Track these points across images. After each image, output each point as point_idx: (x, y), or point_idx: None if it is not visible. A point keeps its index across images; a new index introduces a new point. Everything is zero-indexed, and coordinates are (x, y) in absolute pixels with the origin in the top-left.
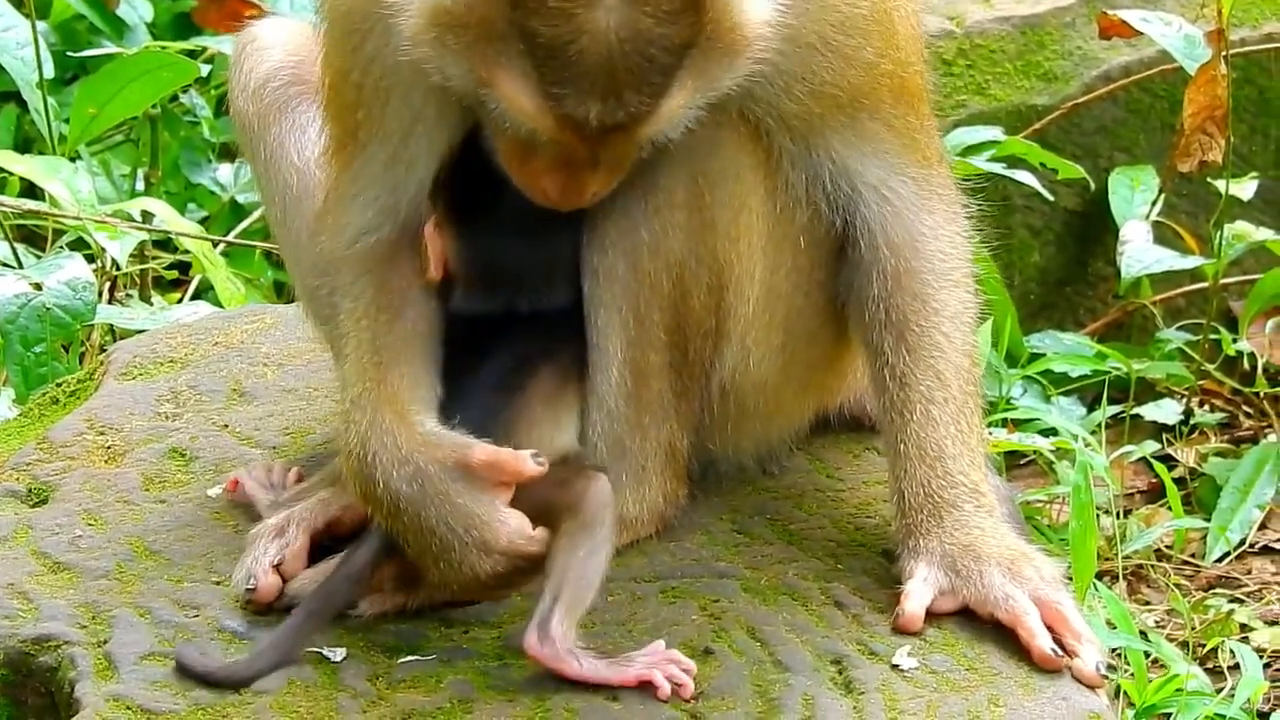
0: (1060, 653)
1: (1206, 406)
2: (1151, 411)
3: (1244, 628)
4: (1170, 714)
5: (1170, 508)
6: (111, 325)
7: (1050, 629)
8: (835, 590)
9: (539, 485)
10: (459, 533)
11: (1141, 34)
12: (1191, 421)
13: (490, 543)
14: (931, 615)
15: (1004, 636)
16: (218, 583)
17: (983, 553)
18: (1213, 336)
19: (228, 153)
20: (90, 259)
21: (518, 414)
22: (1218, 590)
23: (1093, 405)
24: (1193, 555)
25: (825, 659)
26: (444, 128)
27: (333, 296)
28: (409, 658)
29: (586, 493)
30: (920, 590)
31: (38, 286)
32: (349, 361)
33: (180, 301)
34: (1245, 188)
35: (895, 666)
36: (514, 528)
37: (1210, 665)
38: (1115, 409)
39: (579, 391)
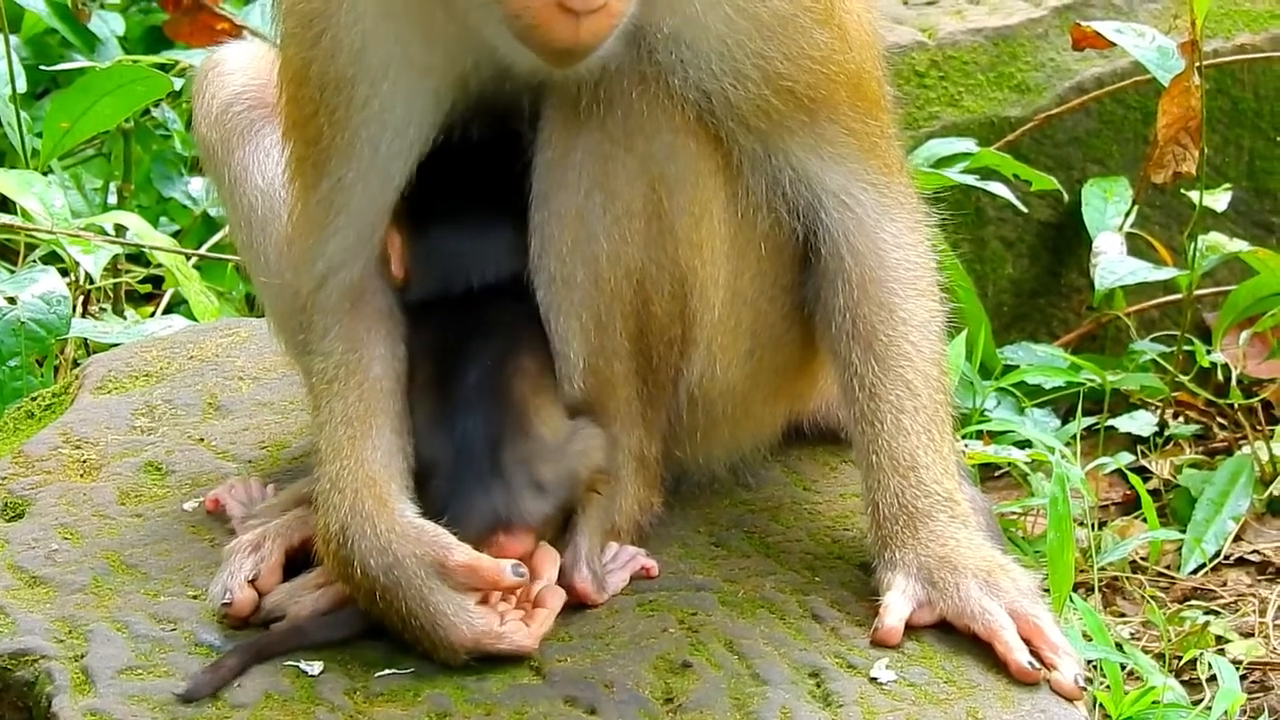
0: (1038, 665)
1: (1181, 418)
2: (1126, 423)
3: (1220, 640)
4: None
5: (1145, 519)
6: (85, 339)
7: (1027, 642)
8: (813, 603)
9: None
10: (427, 630)
11: (1114, 45)
12: (1166, 433)
13: (456, 644)
14: (909, 628)
15: (982, 649)
16: (194, 597)
17: (959, 565)
18: (1186, 348)
19: (200, 166)
20: (63, 273)
21: (522, 411)
22: (1193, 602)
23: (1066, 417)
24: (1168, 567)
25: (803, 672)
26: (415, 122)
27: (305, 345)
28: (386, 671)
29: (603, 455)
30: (898, 603)
31: (12, 300)
32: (323, 432)
33: (153, 315)
34: (1219, 199)
35: (873, 679)
36: (480, 629)
37: (1186, 677)
38: (1089, 421)
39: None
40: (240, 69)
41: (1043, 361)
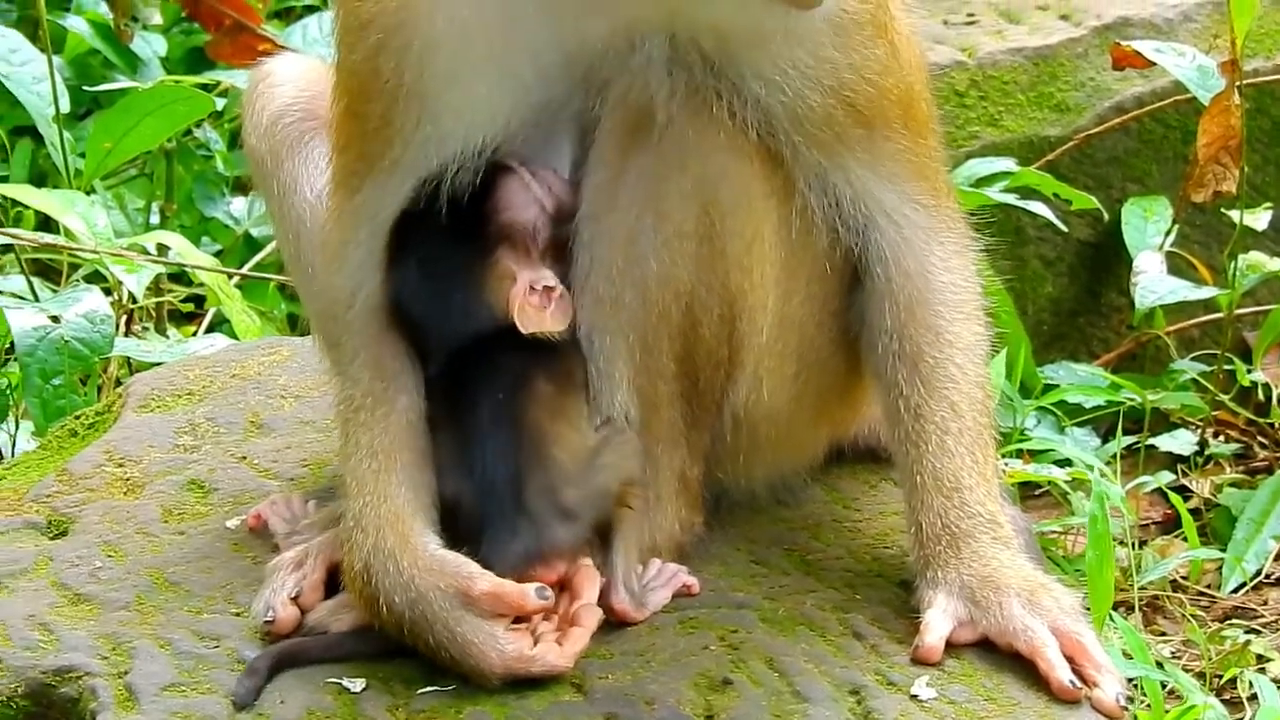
0: (1079, 684)
1: (1221, 437)
2: (1166, 442)
3: (1260, 658)
4: None
5: (1185, 538)
6: (128, 358)
7: (1069, 660)
8: (853, 620)
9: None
10: (458, 659)
11: (1154, 65)
12: (1206, 452)
13: (486, 671)
14: (950, 646)
15: (1023, 667)
16: (237, 614)
17: (1001, 583)
18: (1227, 367)
19: (241, 186)
20: (107, 292)
21: (539, 440)
22: (1234, 621)
23: (1107, 436)
24: (1208, 586)
25: (844, 689)
26: (472, 129)
27: (336, 366)
28: (428, 689)
29: (637, 463)
30: (939, 621)
31: (56, 319)
32: (349, 464)
33: (196, 334)
34: (1259, 218)
35: (914, 697)
36: (511, 654)
37: (1227, 696)
38: (1129, 439)
39: (578, 394)
40: (291, 80)
41: (1083, 380)
